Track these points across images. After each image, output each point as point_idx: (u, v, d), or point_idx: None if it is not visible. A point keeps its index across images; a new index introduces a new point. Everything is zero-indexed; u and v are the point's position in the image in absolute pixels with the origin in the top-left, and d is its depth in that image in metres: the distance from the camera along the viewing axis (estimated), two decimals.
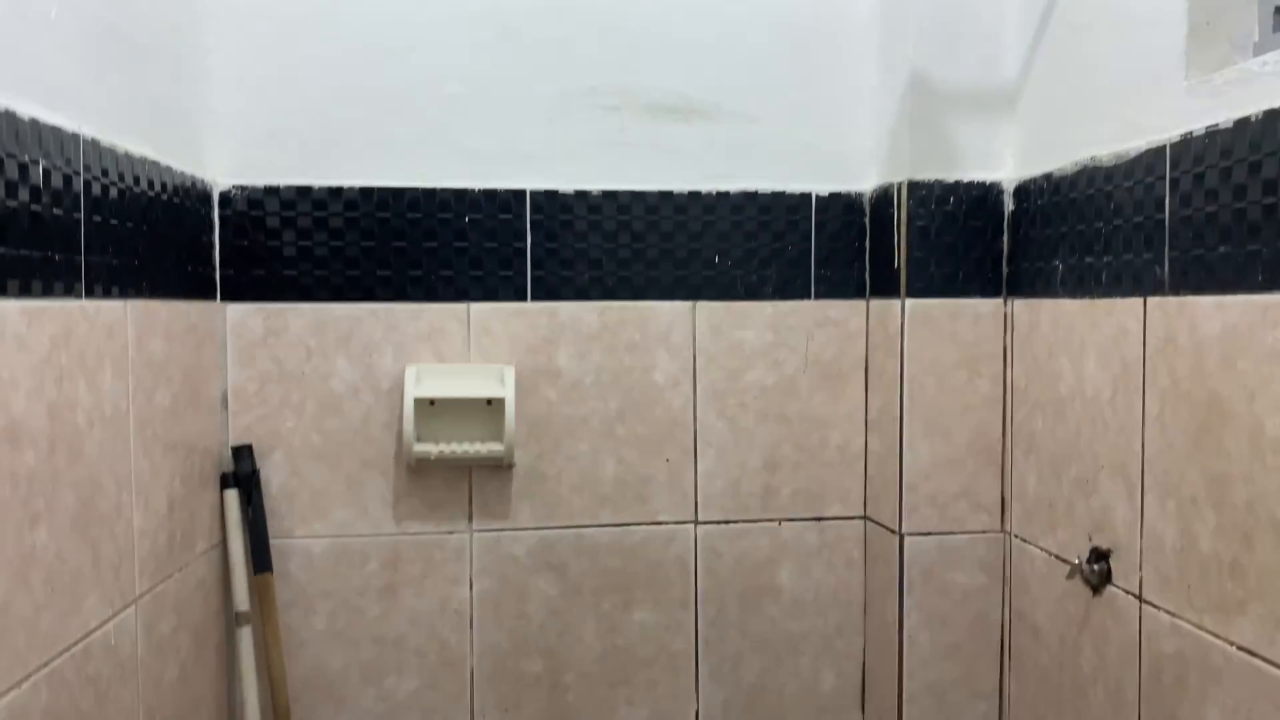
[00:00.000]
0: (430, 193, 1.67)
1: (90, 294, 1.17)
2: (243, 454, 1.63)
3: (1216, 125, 1.14)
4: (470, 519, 1.70)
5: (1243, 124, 1.10)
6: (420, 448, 1.62)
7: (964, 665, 1.64)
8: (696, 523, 1.75)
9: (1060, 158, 1.46)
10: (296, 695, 1.66)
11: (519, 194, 1.69)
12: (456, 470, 1.69)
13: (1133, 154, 1.29)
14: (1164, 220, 1.23)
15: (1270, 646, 1.06)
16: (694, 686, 1.76)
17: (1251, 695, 1.08)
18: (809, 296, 1.76)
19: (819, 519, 1.77)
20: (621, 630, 1.74)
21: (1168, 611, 1.22)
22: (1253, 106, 1.08)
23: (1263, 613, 1.07)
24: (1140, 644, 1.27)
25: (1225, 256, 1.12)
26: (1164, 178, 1.23)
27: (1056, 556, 1.48)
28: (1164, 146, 1.23)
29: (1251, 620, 1.08)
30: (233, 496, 1.61)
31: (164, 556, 1.38)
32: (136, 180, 1.31)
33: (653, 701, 1.75)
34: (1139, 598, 1.28)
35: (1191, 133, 1.18)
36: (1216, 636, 1.13)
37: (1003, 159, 1.61)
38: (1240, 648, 1.10)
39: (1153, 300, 1.25)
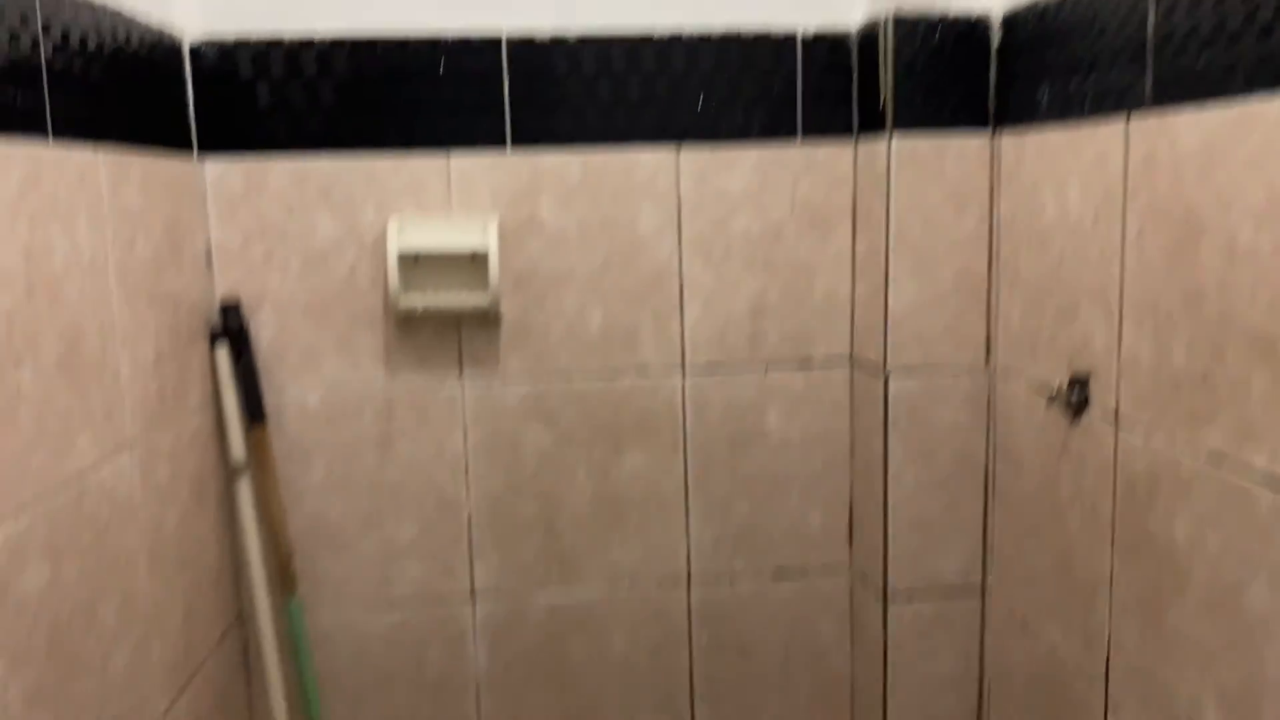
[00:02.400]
0: (403, 43, 1.63)
1: (58, 137, 1.16)
2: (231, 310, 1.64)
3: None
4: (461, 372, 1.72)
5: None
6: (408, 300, 1.63)
7: (948, 499, 1.68)
8: (684, 371, 1.77)
9: None
10: (298, 543, 1.71)
11: (494, 41, 1.65)
12: (445, 324, 1.70)
13: None
14: (1147, 36, 1.20)
15: (1237, 452, 1.07)
16: (684, 527, 1.80)
17: (1217, 502, 1.11)
18: (795, 138, 1.73)
19: (806, 363, 1.79)
20: (612, 476, 1.78)
21: (1142, 430, 1.24)
22: None
23: (1230, 421, 1.08)
24: (1115, 465, 1.30)
25: (1207, 65, 1.10)
26: None
27: (1037, 388, 1.49)
28: None
29: (1220, 429, 1.10)
30: (223, 352, 1.63)
31: (155, 407, 1.41)
32: (99, 29, 1.28)
33: (644, 542, 1.80)
34: (1114, 420, 1.29)
35: None
36: (1186, 449, 1.15)
37: None
38: (1208, 457, 1.12)
39: (1135, 120, 1.23)
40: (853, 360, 1.79)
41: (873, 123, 1.65)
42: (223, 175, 1.63)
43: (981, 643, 1.72)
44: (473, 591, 1.77)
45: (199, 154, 1.62)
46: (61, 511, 1.14)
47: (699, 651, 1.83)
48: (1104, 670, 1.34)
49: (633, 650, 1.82)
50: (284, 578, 1.68)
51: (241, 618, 1.72)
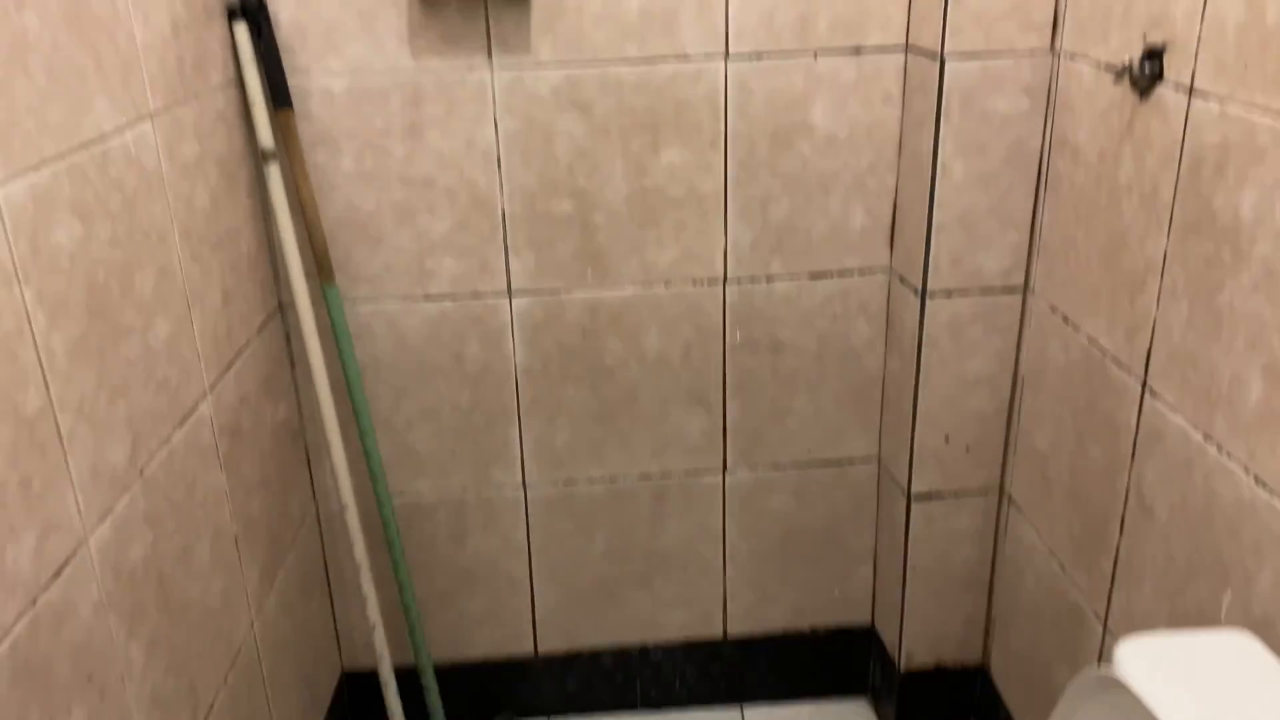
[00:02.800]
0: None
1: None
2: None
3: None
4: (490, 56, 1.63)
5: None
6: None
7: (998, 194, 1.61)
8: (726, 58, 1.67)
9: None
10: (332, 235, 1.70)
11: None
12: (470, 1, 1.60)
13: None
14: None
15: None
16: (722, 226, 1.77)
17: None
18: None
19: (857, 51, 1.68)
20: (650, 172, 1.72)
21: (1217, 99, 1.15)
22: None
23: None
24: (1182, 140, 1.22)
25: None
26: None
27: (1106, 67, 1.39)
28: None
29: None
30: (242, 30, 1.55)
31: (175, 79, 1.35)
32: None
33: (681, 241, 1.77)
34: (1189, 90, 1.20)
35: None
36: (1265, 115, 1.07)
37: None
38: None
39: None
40: (908, 47, 1.67)
41: None
42: None
43: (1019, 341, 1.71)
44: (509, 288, 1.77)
45: None
46: (86, 171, 1.11)
47: (732, 349, 1.84)
48: (1145, 358, 1.33)
49: (667, 347, 1.83)
50: (320, 267, 1.68)
51: (281, 308, 1.74)
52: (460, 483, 1.89)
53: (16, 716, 0.95)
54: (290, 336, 1.76)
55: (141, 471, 1.21)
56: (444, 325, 1.78)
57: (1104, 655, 1.48)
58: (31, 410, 0.99)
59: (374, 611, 1.81)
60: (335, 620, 1.97)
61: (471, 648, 2.03)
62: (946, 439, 1.77)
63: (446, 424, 1.85)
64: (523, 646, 2.04)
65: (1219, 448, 1.17)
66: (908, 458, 1.79)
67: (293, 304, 1.68)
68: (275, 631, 1.64)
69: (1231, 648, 1.02)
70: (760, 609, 2.06)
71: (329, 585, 1.94)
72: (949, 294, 1.67)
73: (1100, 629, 1.48)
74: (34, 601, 0.98)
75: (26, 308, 0.99)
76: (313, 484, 1.86)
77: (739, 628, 2.07)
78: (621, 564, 1.99)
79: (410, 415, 1.83)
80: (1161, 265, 1.27)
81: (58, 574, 1.03)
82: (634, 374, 1.85)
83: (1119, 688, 0.97)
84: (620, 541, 1.98)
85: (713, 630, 2.06)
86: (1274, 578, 1.08)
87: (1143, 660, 1.00)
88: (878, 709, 2.08)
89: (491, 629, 2.02)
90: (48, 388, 1.02)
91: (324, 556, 1.91)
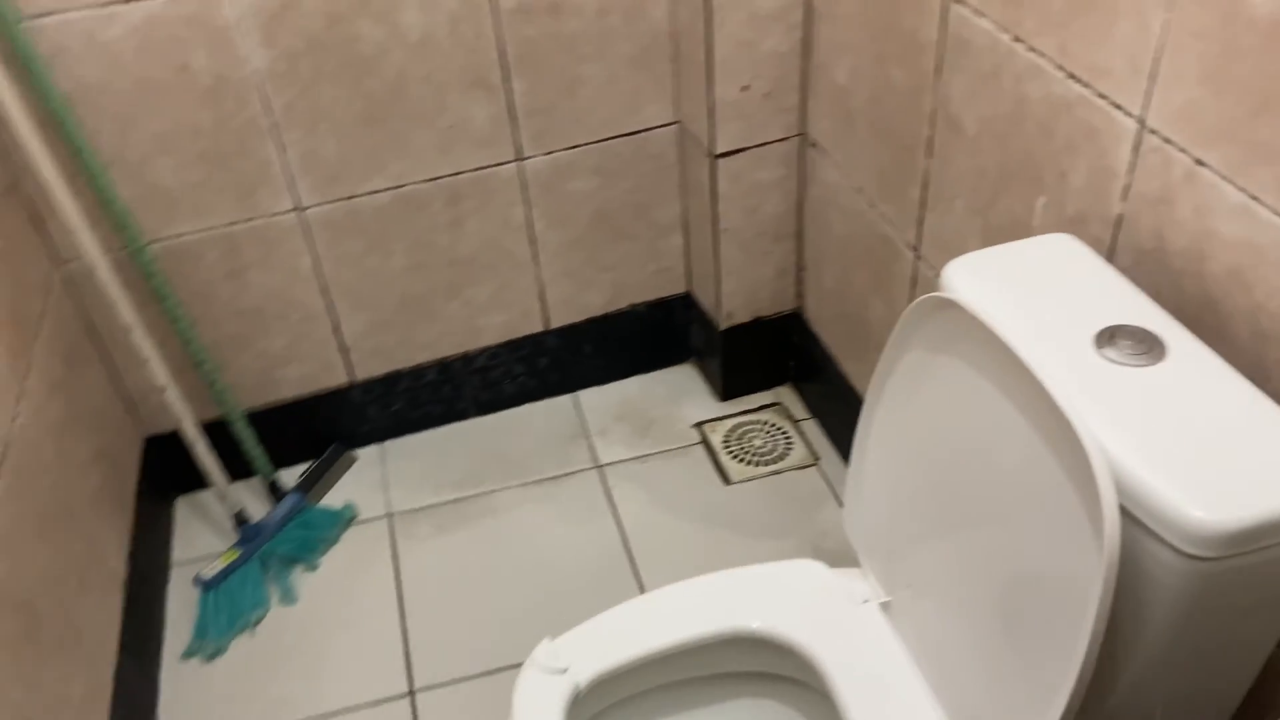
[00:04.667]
0: None
1: None
2: None
3: None
4: None
5: None
6: None
7: None
8: None
9: None
10: None
11: None
12: None
13: None
14: None
15: None
16: None
17: None
18: None
19: None
20: None
21: None
22: None
23: None
24: None
25: None
26: None
27: None
28: None
29: None
30: None
31: None
32: None
33: None
34: None
35: None
36: None
37: None
38: None
39: None
40: None
41: None
42: None
43: None
44: None
45: None
46: None
47: (506, 15, 1.63)
48: None
49: (430, 23, 1.60)
50: None
51: None
52: (224, 216, 1.68)
53: None
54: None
55: None
56: (155, 30, 1.48)
57: (917, 280, 1.50)
58: None
59: (160, 372, 1.64)
60: (126, 388, 1.79)
61: (281, 388, 1.90)
62: (744, 89, 1.67)
63: (189, 151, 1.59)
64: (336, 378, 1.93)
65: (1028, 47, 1.12)
66: (707, 114, 1.69)
67: None
68: (47, 414, 1.46)
69: (1054, 250, 1.01)
70: (579, 296, 2.00)
71: (102, 354, 1.74)
72: None
73: (912, 256, 1.49)
74: None
75: None
76: (48, 246, 1.61)
77: (561, 318, 2.01)
78: (427, 276, 1.86)
79: (144, 148, 1.57)
80: None
81: None
82: (398, 61, 1.62)
83: (951, 308, 0.96)
84: (421, 253, 1.83)
85: (534, 326, 2.00)
86: (1087, 172, 1.07)
87: (970, 276, 0.98)
88: (703, 370, 2.12)
89: (298, 365, 1.89)
90: None
91: (86, 325, 1.70)
